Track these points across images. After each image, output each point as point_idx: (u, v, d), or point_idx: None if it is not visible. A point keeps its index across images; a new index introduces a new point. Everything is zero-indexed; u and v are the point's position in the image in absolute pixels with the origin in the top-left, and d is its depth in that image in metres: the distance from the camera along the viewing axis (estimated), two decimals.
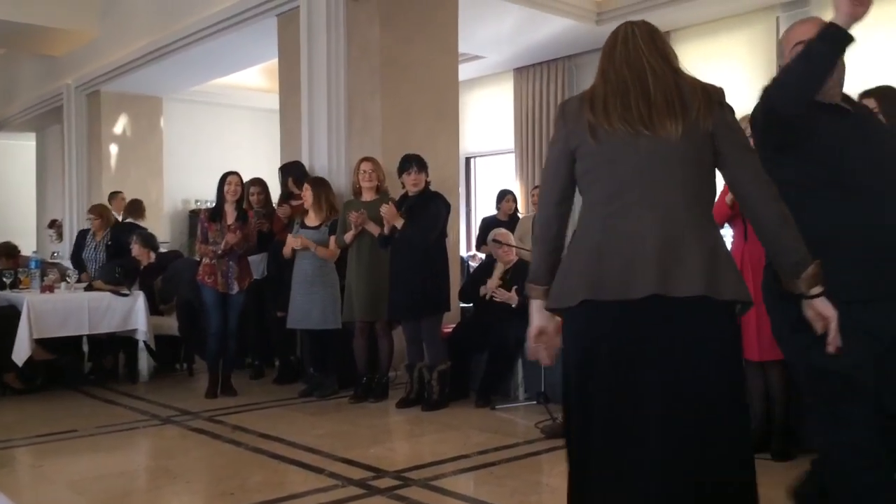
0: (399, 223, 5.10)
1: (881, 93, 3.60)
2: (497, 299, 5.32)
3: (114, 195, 9.32)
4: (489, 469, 3.81)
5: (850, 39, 2.21)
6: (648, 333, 1.86)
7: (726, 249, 1.94)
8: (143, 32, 9.29)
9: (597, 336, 1.90)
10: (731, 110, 2.00)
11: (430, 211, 5.15)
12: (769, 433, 3.93)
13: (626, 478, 1.87)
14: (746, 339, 3.89)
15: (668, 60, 2.03)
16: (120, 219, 8.96)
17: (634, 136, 1.89)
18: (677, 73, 2.00)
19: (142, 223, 8.20)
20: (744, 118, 4.00)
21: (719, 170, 1.98)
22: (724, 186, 3.97)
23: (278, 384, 6.11)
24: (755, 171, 1.95)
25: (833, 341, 1.98)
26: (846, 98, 2.41)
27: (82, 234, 7.34)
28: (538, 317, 2.09)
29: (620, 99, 1.93)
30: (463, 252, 8.57)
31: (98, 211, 7.27)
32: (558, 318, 2.05)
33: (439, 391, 5.13)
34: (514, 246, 5.61)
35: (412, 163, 5.23)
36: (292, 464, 3.93)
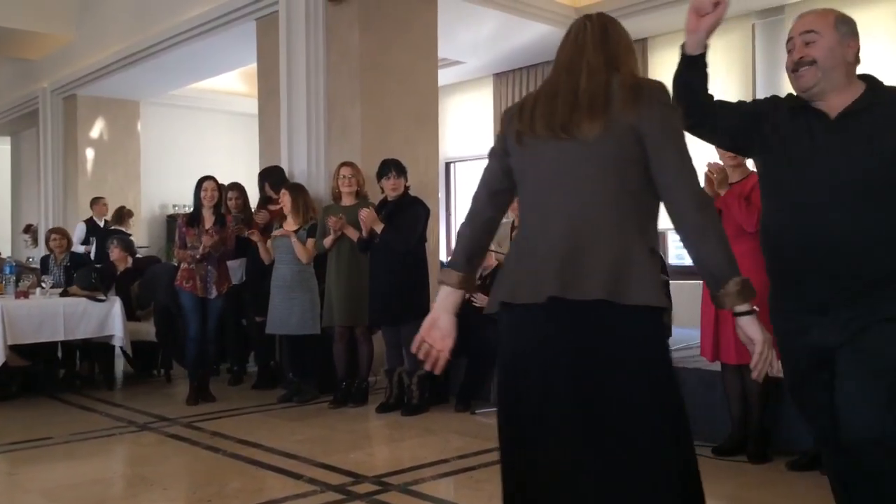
0: (378, 228, 5.10)
1: None
2: (476, 304, 5.32)
3: (95, 200, 9.27)
4: (468, 473, 3.82)
5: (685, 57, 2.39)
6: (553, 337, 1.82)
7: (644, 251, 1.80)
8: (120, 36, 9.22)
9: (509, 340, 1.92)
10: (668, 109, 1.85)
11: (409, 216, 5.16)
12: (745, 436, 3.96)
13: (531, 483, 1.85)
14: (724, 342, 3.93)
15: (613, 57, 1.93)
16: (101, 224, 8.94)
17: (556, 140, 1.85)
18: (617, 70, 1.90)
19: (127, 230, 8.16)
20: None
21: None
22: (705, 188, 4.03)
23: (257, 390, 6.08)
24: (676, 175, 1.80)
25: (755, 367, 1.83)
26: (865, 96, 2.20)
27: (45, 259, 7.25)
28: (439, 305, 2.02)
29: (549, 103, 1.88)
30: (443, 257, 8.58)
31: (63, 232, 7.25)
32: (453, 318, 2.03)
33: (419, 396, 5.13)
34: (492, 251, 5.61)
35: (391, 167, 5.23)
36: (271, 470, 3.91)
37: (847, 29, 2.23)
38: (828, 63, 2.19)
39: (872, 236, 2.12)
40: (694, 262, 1.88)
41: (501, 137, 2.00)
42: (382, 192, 5.34)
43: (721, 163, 4.00)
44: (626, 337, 1.77)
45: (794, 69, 2.24)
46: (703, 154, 4.35)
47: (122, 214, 9.05)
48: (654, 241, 1.87)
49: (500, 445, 1.96)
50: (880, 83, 2.25)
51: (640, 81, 1.86)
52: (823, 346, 2.16)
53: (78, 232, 8.92)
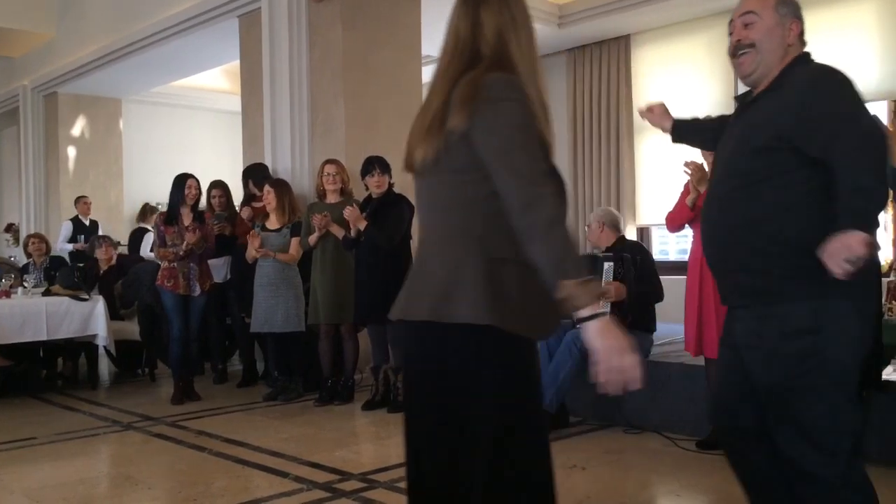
0: (363, 225, 5.10)
1: None
2: None
3: (79, 199, 9.24)
4: None
5: (672, 137, 2.56)
6: (406, 354, 1.88)
7: (473, 270, 1.67)
8: (101, 33, 9.15)
9: None
10: (501, 105, 1.66)
11: (393, 213, 5.15)
12: None
13: None
14: (707, 337, 3.96)
15: (478, 50, 1.76)
16: (87, 223, 9.02)
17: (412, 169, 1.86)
18: (473, 69, 1.72)
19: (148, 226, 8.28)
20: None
21: None
22: (685, 185, 4.05)
23: (242, 388, 6.07)
24: (504, 179, 1.64)
25: (596, 380, 1.63)
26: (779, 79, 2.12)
27: (25, 267, 7.26)
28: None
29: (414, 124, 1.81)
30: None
31: (41, 237, 7.28)
32: None
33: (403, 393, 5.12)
34: None
35: (374, 164, 5.23)
36: (256, 468, 3.91)
37: (787, 10, 2.14)
38: (766, 45, 2.11)
39: (734, 234, 2.08)
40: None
41: None
42: (367, 189, 5.33)
43: (700, 161, 4.02)
44: (445, 356, 1.70)
45: (733, 54, 2.18)
46: (681, 152, 4.40)
47: (145, 211, 9.17)
48: (505, 250, 1.68)
49: None
50: (802, 64, 2.13)
51: (478, 80, 1.68)
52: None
53: (64, 231, 8.92)
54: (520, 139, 1.65)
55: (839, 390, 1.99)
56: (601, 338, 1.58)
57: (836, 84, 2.03)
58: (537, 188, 1.62)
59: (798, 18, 2.17)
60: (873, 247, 1.87)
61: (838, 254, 1.84)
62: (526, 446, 1.79)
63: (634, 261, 4.45)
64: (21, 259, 8.02)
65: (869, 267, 1.95)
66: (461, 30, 1.78)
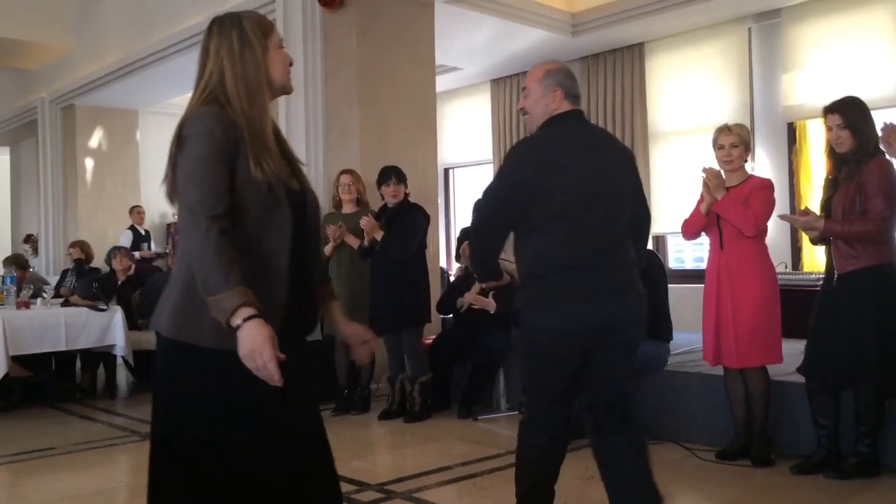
0: (379, 235, 5.10)
1: (843, 105, 3.68)
2: (475, 307, 5.33)
3: (133, 208, 9.78)
4: (472, 480, 3.82)
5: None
6: None
7: (177, 285, 1.83)
8: (118, 45, 9.23)
9: None
10: (187, 144, 1.81)
11: (409, 223, 5.16)
12: (749, 440, 3.96)
13: None
14: (725, 346, 3.93)
15: (203, 89, 1.92)
16: (143, 232, 9.39)
17: None
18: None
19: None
20: (732, 129, 4.04)
21: None
22: (700, 195, 4.03)
23: None
24: (180, 208, 1.82)
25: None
26: None
27: (65, 272, 7.50)
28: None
29: None
30: (443, 263, 8.59)
31: (80, 245, 7.44)
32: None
33: (421, 403, 5.13)
34: (503, 259, 5.61)
35: (391, 174, 5.24)
36: None
37: (550, 81, 2.71)
38: (534, 112, 2.74)
39: None
40: None
41: None
42: (382, 198, 5.34)
43: (716, 167, 4.00)
44: (157, 366, 1.87)
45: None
46: (695, 161, 4.38)
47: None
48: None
49: None
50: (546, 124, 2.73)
51: (182, 120, 1.85)
52: None
53: (124, 240, 9.18)
54: (196, 172, 1.78)
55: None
56: (241, 347, 1.67)
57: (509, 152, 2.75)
58: (195, 216, 1.75)
59: (559, 87, 2.72)
60: None
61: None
62: (223, 464, 1.81)
63: (646, 271, 4.41)
64: (41, 269, 8.11)
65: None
66: (199, 61, 1.93)
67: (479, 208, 2.82)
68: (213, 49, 1.89)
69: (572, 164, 2.61)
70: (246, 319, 1.66)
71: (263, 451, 1.82)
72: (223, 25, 1.90)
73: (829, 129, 3.70)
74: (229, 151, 1.79)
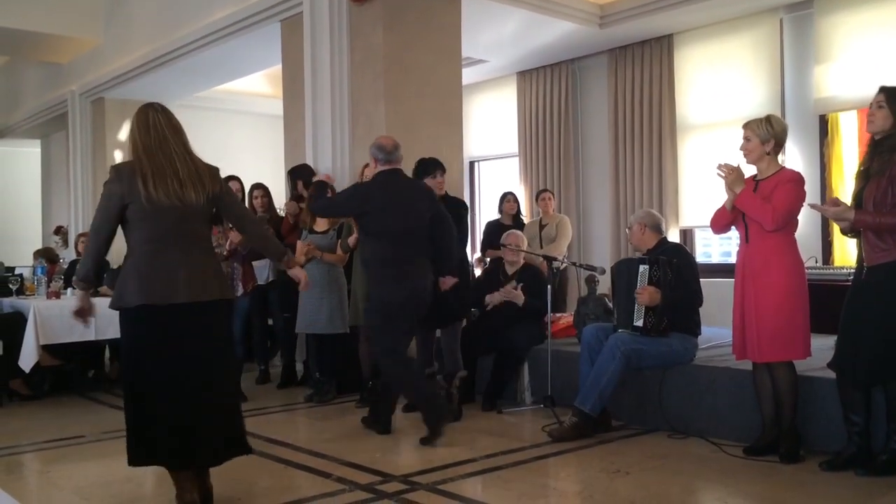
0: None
1: (893, 89, 3.61)
2: (505, 298, 5.32)
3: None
4: (496, 473, 3.81)
5: None
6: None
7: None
8: (147, 39, 9.32)
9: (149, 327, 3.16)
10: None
11: (460, 219, 5.08)
12: (777, 435, 3.91)
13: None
14: (750, 340, 3.89)
15: (186, 145, 3.24)
16: None
17: (173, 202, 3.07)
18: (191, 154, 3.24)
19: None
20: (748, 123, 4.01)
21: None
22: (724, 202, 3.99)
23: (282, 388, 6.12)
24: None
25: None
26: None
27: (73, 263, 7.40)
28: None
29: (160, 177, 3.08)
30: (468, 256, 8.56)
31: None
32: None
33: (459, 399, 5.06)
34: (520, 250, 5.60)
35: (438, 167, 5.15)
36: (299, 468, 3.94)
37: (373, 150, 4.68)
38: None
39: None
40: None
41: (122, 189, 3.08)
42: None
43: (735, 163, 3.96)
44: None
45: None
46: (723, 154, 4.34)
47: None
48: (133, 255, 3.17)
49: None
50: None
51: (208, 166, 3.32)
52: None
53: None
54: (99, 207, 3.17)
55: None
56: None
57: None
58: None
59: (376, 160, 4.63)
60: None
61: None
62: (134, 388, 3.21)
63: (671, 263, 4.39)
64: (69, 260, 8.18)
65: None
66: None
67: (333, 202, 4.94)
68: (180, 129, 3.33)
69: (387, 199, 4.46)
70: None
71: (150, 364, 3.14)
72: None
73: (869, 106, 3.65)
74: None
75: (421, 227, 4.48)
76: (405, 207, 4.45)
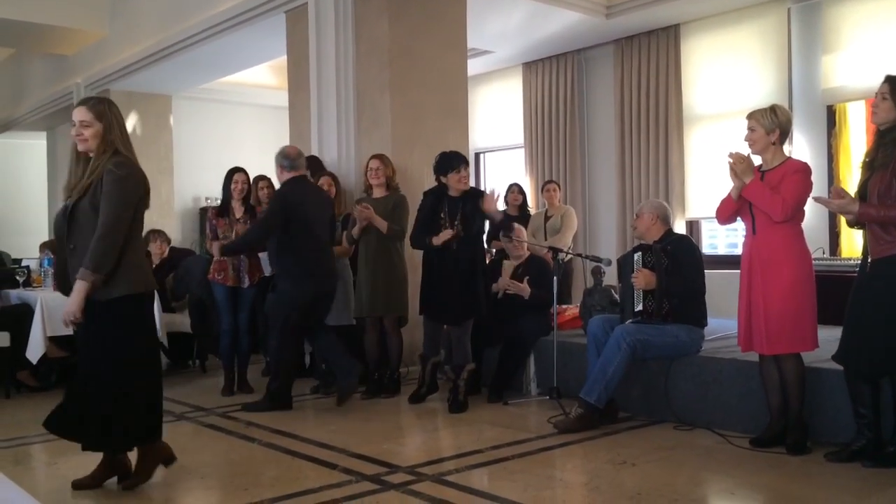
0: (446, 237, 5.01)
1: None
2: (510, 291, 5.31)
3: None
4: (502, 464, 3.81)
5: None
6: None
7: None
8: (152, 31, 9.32)
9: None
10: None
11: (481, 214, 5.01)
12: (784, 427, 3.90)
13: None
14: (756, 332, 3.88)
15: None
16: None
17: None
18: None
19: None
20: (752, 113, 3.98)
21: None
22: (729, 191, 3.97)
23: None
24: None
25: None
26: None
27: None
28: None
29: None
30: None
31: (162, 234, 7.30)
32: None
33: (466, 392, 5.05)
34: (525, 241, 5.59)
35: (461, 161, 5.01)
36: (305, 459, 3.94)
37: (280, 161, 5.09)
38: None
39: None
40: None
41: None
42: (439, 184, 5.05)
43: (746, 152, 3.93)
44: None
45: None
46: (731, 145, 4.32)
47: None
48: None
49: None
50: None
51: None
52: None
53: None
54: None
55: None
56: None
57: None
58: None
59: (282, 167, 5.12)
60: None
61: None
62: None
63: (665, 250, 4.41)
64: None
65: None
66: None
67: (266, 222, 5.17)
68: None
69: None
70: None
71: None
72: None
73: (874, 97, 3.63)
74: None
75: (325, 228, 5.18)
76: (317, 212, 5.06)
